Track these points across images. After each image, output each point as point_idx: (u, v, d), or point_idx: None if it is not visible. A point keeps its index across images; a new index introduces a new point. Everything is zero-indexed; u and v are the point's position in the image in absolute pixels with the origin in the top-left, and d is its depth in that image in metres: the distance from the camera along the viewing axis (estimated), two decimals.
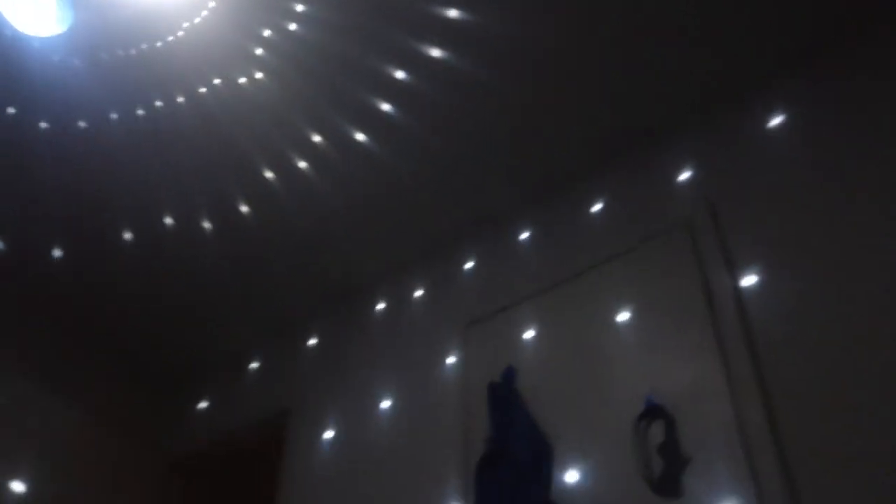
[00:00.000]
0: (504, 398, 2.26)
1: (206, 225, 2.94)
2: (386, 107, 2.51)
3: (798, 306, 1.88)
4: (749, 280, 2.00)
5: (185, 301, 3.29)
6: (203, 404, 3.52)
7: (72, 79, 2.48)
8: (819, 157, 2.08)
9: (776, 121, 2.23)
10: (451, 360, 2.61)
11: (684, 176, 2.35)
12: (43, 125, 2.61)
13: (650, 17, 2.21)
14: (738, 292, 1.99)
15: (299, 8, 2.26)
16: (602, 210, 2.53)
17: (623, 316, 2.19)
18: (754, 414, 1.77)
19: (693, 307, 2.02)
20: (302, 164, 2.71)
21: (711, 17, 2.21)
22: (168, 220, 2.92)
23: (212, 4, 2.26)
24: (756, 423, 1.75)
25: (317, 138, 2.63)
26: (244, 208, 2.87)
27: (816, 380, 1.76)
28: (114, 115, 2.58)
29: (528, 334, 2.42)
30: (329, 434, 2.85)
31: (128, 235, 2.97)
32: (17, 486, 2.94)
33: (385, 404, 2.73)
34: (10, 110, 2.55)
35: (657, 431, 1.89)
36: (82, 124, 2.61)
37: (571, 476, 2.03)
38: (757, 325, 1.91)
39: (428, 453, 2.44)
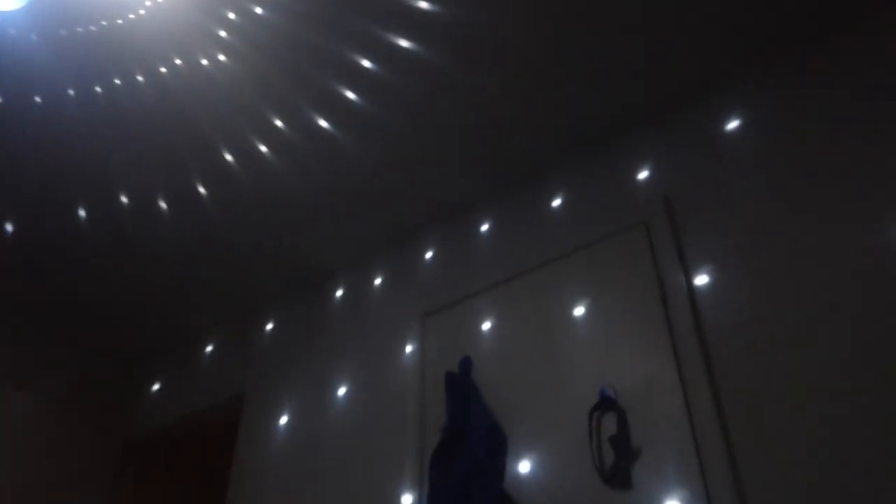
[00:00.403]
0: (460, 388, 2.29)
1: (163, 205, 2.90)
2: (350, 94, 2.50)
3: (749, 305, 1.94)
4: (702, 278, 2.05)
5: (141, 282, 3.24)
6: (157, 386, 3.49)
7: (29, 53, 2.41)
8: (774, 159, 2.14)
9: (734, 122, 2.29)
10: (408, 348, 2.63)
11: (643, 174, 2.40)
12: None
13: (612, 14, 2.24)
14: (692, 290, 2.04)
15: None
16: (561, 204, 2.57)
17: (579, 310, 2.23)
18: (704, 409, 1.82)
19: (648, 304, 2.07)
20: (263, 149, 2.69)
21: (673, 16, 2.24)
22: (124, 200, 2.87)
23: None
24: (705, 418, 1.81)
25: (279, 123, 2.61)
26: (202, 190, 2.84)
27: (765, 378, 1.82)
28: (71, 92, 2.52)
29: (486, 325, 2.45)
30: (284, 420, 2.85)
31: (83, 213, 2.91)
32: None
33: (341, 391, 2.74)
34: None
35: (609, 424, 1.94)
36: (38, 99, 2.54)
37: (525, 466, 2.07)
38: (709, 322, 1.97)
39: (383, 442, 2.46)
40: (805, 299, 1.86)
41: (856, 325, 1.76)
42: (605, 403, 1.96)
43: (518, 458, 2.09)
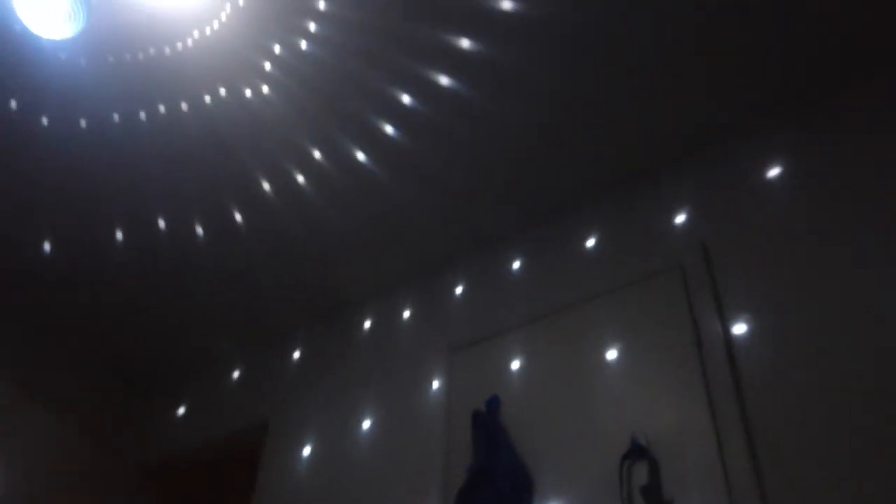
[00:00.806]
0: (487, 427, 2.27)
1: (199, 231, 2.94)
2: (387, 128, 2.54)
3: (787, 356, 1.91)
4: (739, 326, 2.03)
5: (170, 305, 3.27)
6: (181, 411, 3.49)
7: (77, 78, 2.47)
8: (814, 208, 2.12)
9: (773, 168, 2.28)
10: (435, 384, 2.62)
11: (679, 217, 2.39)
12: (44, 120, 2.60)
13: (653, 56, 2.26)
14: (728, 337, 2.02)
15: (311, 27, 2.28)
16: (595, 245, 2.56)
17: (611, 353, 2.21)
18: (738, 459, 1.79)
19: (682, 349, 2.05)
20: (300, 178, 2.72)
21: (716, 61, 2.25)
22: (161, 224, 2.91)
23: (224, 16, 2.27)
24: (739, 468, 1.77)
25: (316, 154, 2.64)
26: (238, 217, 2.87)
27: (801, 429, 1.78)
28: (116, 117, 2.58)
29: (515, 364, 2.43)
30: (307, 449, 2.84)
31: (119, 236, 2.96)
32: None
33: (366, 424, 2.73)
34: (13, 103, 2.54)
35: (641, 472, 1.91)
36: (83, 123, 2.60)
37: None
38: (745, 371, 1.94)
39: (406, 478, 2.44)
40: (843, 351, 1.83)
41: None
42: (637, 451, 1.93)
43: (545, 501, 2.06)
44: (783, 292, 2.02)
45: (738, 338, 2.01)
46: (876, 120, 2.16)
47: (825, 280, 1.97)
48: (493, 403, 2.34)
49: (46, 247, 3.01)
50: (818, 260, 2.02)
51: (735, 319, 2.05)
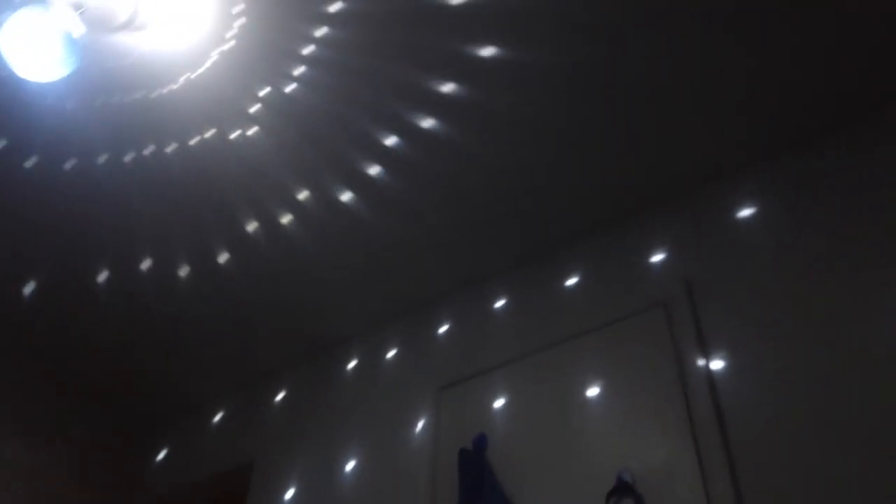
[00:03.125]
0: (474, 466, 2.27)
1: (183, 272, 2.93)
2: (373, 168, 2.56)
3: (768, 391, 1.94)
4: (721, 363, 2.06)
5: (153, 346, 3.24)
6: (166, 452, 3.45)
7: (63, 121, 2.49)
8: (793, 249, 2.17)
9: (753, 209, 2.33)
10: (421, 423, 2.61)
11: (662, 256, 2.43)
12: (28, 163, 2.60)
13: (634, 98, 2.31)
14: (711, 374, 2.04)
15: (298, 70, 2.31)
16: (578, 283, 2.59)
17: (596, 390, 2.23)
18: (723, 497, 1.80)
19: (666, 387, 2.07)
20: (284, 219, 2.73)
21: (693, 100, 2.31)
22: (146, 265, 2.90)
23: (212, 59, 2.31)
24: None
25: (302, 194, 2.66)
26: (223, 257, 2.88)
27: (786, 464, 1.80)
28: (102, 158, 2.58)
29: (501, 402, 2.44)
30: (291, 492, 2.81)
31: (102, 277, 2.94)
32: None
33: (350, 464, 2.71)
34: None
35: None
36: (68, 165, 2.60)
37: None
38: (728, 408, 1.96)
39: None
40: (824, 388, 1.86)
41: (878, 417, 1.75)
42: (623, 488, 1.93)
43: None
44: (765, 329, 2.05)
45: (720, 374, 2.04)
46: (853, 164, 2.21)
47: (805, 317, 2.01)
48: (482, 442, 2.34)
49: (29, 288, 2.99)
50: (797, 299, 2.06)
51: (717, 356, 2.08)
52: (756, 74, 2.23)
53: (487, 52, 2.22)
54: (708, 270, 2.28)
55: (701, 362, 2.06)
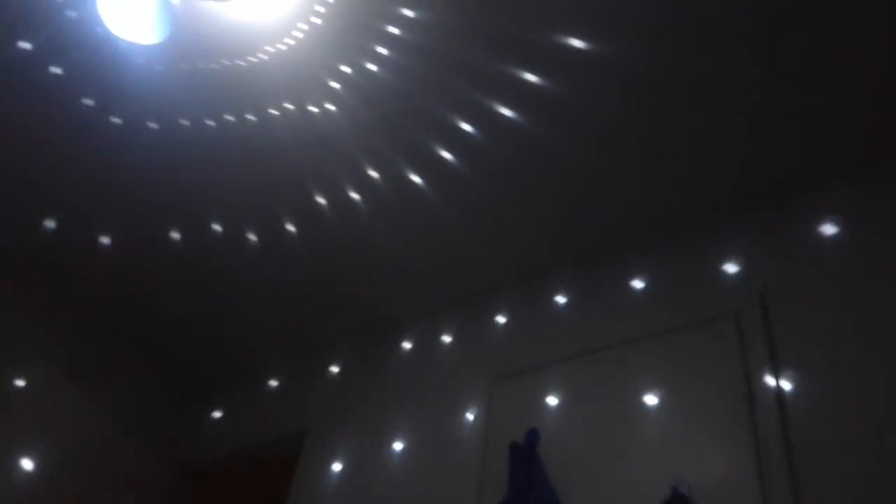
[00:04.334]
0: (525, 460, 2.25)
1: (252, 238, 2.99)
2: (443, 153, 2.56)
3: (839, 413, 1.87)
4: (793, 381, 1.99)
5: (217, 309, 3.33)
6: (219, 415, 3.54)
7: (151, 81, 2.55)
8: (873, 266, 2.08)
9: (835, 225, 2.24)
10: (472, 412, 2.61)
11: (735, 266, 2.36)
12: (114, 120, 2.68)
13: (719, 102, 2.25)
14: (780, 391, 1.98)
15: (381, 50, 2.32)
16: (644, 286, 2.54)
17: (656, 397, 2.18)
18: None
19: (731, 400, 2.01)
20: (354, 196, 2.76)
21: (780, 113, 2.24)
22: (216, 228, 2.97)
23: (298, 34, 2.33)
24: None
25: (372, 173, 2.68)
26: (291, 228, 2.92)
27: (851, 490, 1.74)
28: (184, 122, 2.64)
29: (555, 399, 2.42)
30: (339, 465, 2.85)
31: (175, 236, 3.02)
32: (27, 464, 2.97)
33: (399, 445, 2.73)
34: (88, 101, 2.62)
35: None
36: (153, 125, 2.67)
37: None
38: (796, 427, 1.90)
39: None
40: None
41: None
42: (678, 500, 1.90)
43: None
44: (840, 350, 1.98)
45: (790, 393, 1.97)
46: None
47: (882, 340, 1.93)
48: (533, 436, 2.32)
49: (105, 242, 3.09)
50: (877, 319, 1.97)
51: (789, 374, 2.01)
52: (848, 86, 2.15)
53: (576, 44, 2.18)
54: (784, 284, 2.20)
55: (770, 378, 2.00)
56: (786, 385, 2.00)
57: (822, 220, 2.28)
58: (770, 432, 1.91)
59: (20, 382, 3.07)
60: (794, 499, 1.78)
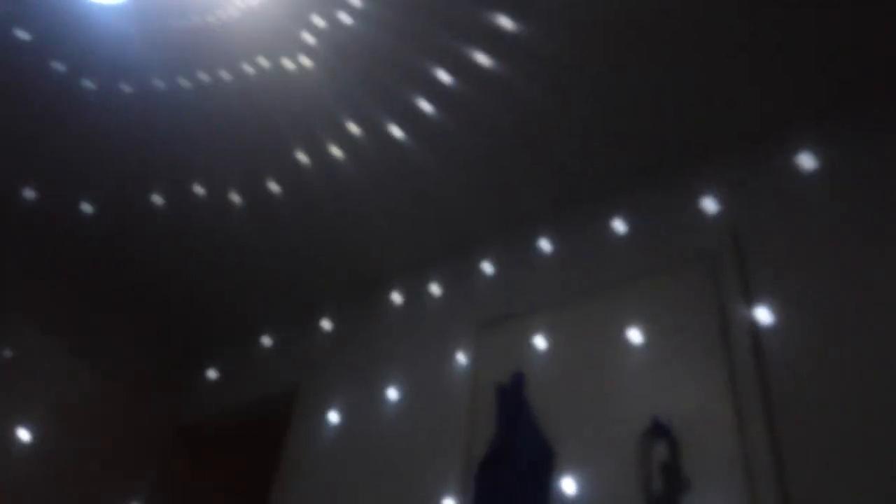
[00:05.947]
0: (511, 402, 2.31)
1: (235, 199, 2.99)
2: (424, 105, 2.56)
3: (813, 347, 1.92)
4: (767, 315, 2.04)
5: (205, 270, 3.34)
6: (213, 374, 3.58)
7: (121, 43, 2.52)
8: (848, 202, 2.11)
9: (807, 160, 2.27)
10: (461, 359, 2.66)
11: (710, 205, 2.39)
12: (87, 84, 2.65)
13: (691, 46, 2.25)
14: (754, 326, 2.03)
15: (355, 3, 2.30)
16: (625, 230, 2.57)
17: (636, 336, 2.23)
18: (759, 446, 1.81)
19: (707, 336, 2.06)
20: (336, 152, 2.75)
21: (755, 51, 2.24)
22: (198, 190, 2.97)
23: None
24: (761, 456, 1.80)
25: (353, 128, 2.67)
26: (274, 187, 2.92)
27: (825, 419, 1.80)
28: (158, 83, 2.62)
29: (540, 343, 2.47)
30: (334, 418, 2.90)
31: (157, 200, 3.02)
32: (24, 435, 3.00)
33: (392, 395, 2.78)
34: (58, 66, 2.60)
35: (660, 451, 1.94)
36: (126, 88, 2.65)
37: (570, 486, 2.08)
38: (771, 360, 1.95)
39: (430, 449, 2.50)
40: (872, 344, 1.84)
41: None
42: (658, 430, 1.96)
43: (565, 476, 2.10)
44: (813, 283, 2.02)
45: (764, 326, 2.02)
46: None
47: (856, 272, 1.97)
48: (518, 379, 2.38)
49: (86, 208, 3.08)
50: (849, 252, 2.01)
51: (763, 308, 2.06)
52: (820, 25, 2.15)
53: None
54: (758, 222, 2.24)
55: (744, 314, 2.05)
56: (759, 318, 2.04)
57: (796, 155, 2.30)
58: (745, 364, 1.96)
59: (10, 353, 3.09)
60: (769, 426, 1.84)
